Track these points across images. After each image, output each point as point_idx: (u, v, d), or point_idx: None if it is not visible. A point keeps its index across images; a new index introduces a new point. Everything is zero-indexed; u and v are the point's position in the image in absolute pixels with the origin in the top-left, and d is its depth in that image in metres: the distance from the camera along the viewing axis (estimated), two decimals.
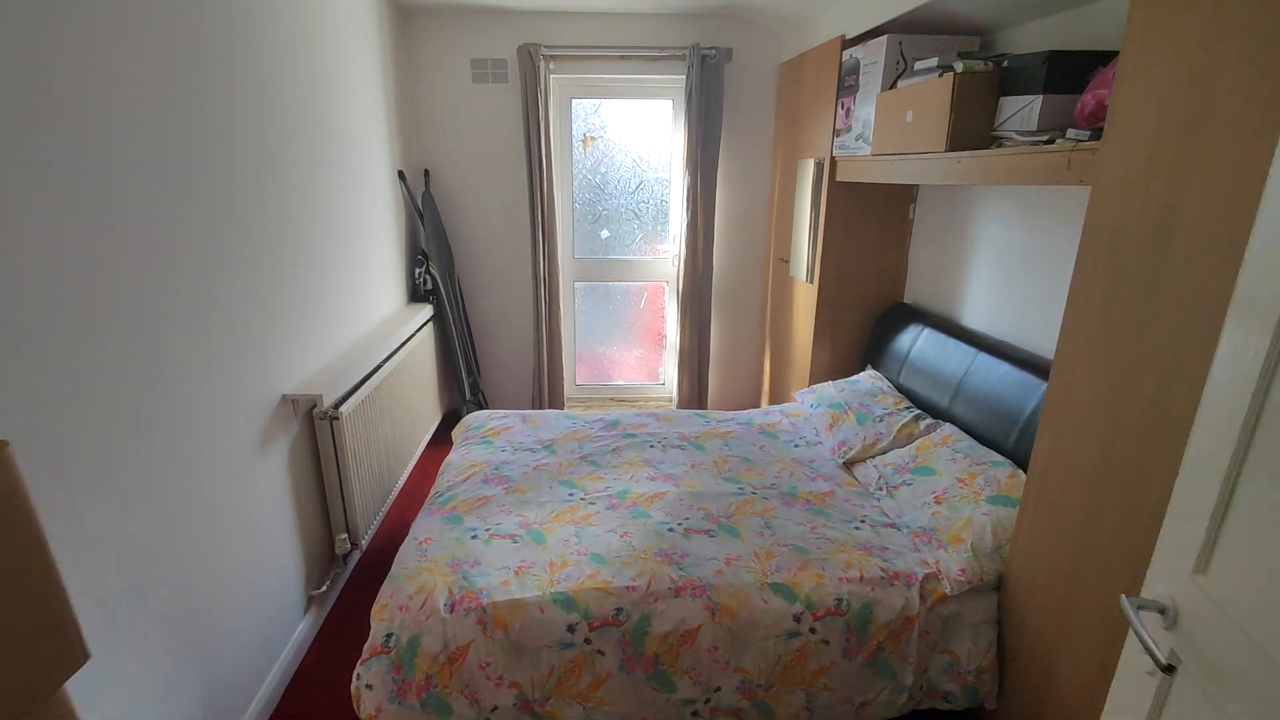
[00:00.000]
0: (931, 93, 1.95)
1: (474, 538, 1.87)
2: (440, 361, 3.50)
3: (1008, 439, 2.01)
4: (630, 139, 3.65)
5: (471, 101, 3.43)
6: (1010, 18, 2.19)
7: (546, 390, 3.73)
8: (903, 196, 2.87)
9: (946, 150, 1.90)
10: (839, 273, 2.92)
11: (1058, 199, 2.05)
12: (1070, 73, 1.66)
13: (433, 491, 2.18)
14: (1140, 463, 1.25)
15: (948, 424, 2.27)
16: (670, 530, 1.92)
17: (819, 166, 2.88)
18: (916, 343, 2.60)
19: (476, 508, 2.04)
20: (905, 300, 3.00)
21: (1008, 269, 2.29)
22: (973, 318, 2.49)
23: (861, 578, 1.71)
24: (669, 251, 3.81)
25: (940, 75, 1.96)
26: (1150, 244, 1.21)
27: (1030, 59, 1.71)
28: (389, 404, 2.64)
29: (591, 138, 3.64)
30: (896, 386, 2.66)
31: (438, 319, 3.42)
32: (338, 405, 2.15)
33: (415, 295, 3.35)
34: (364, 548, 2.31)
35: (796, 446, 2.52)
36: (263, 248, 1.87)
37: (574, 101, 3.57)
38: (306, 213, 2.16)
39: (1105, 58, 1.63)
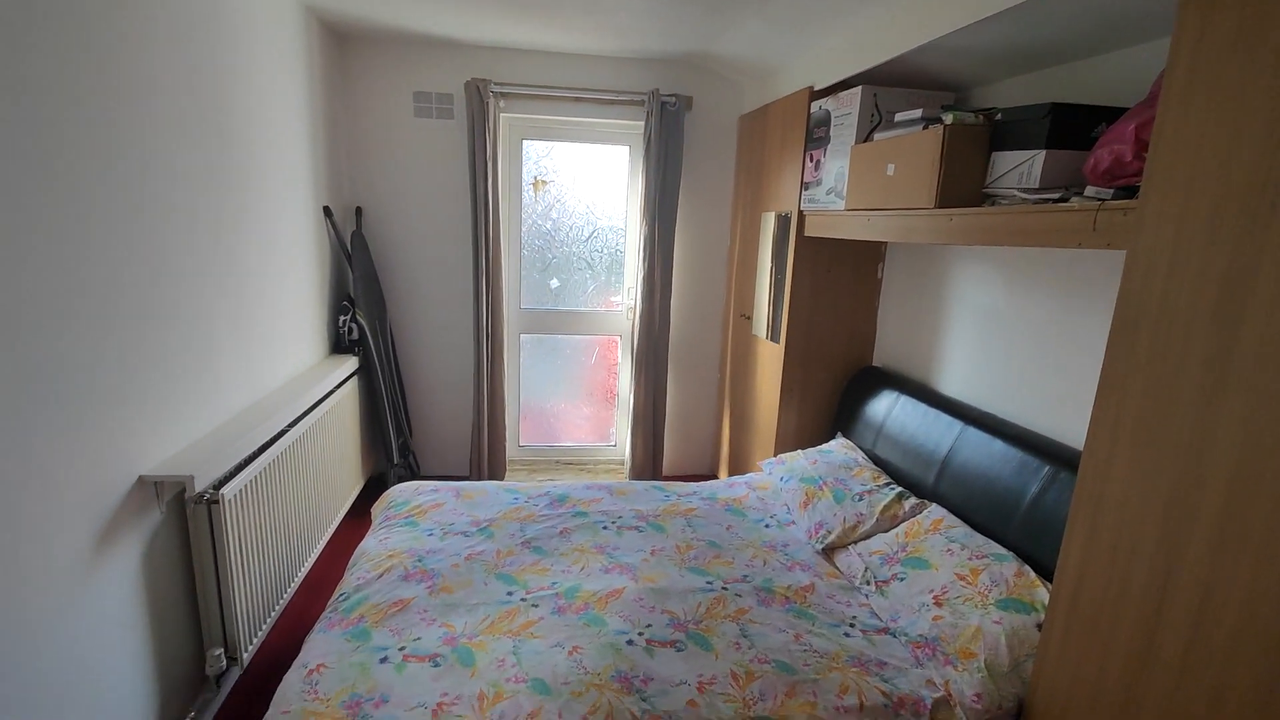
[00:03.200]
0: (917, 146, 1.80)
1: (383, 661, 1.49)
2: (365, 421, 3.09)
3: (1006, 527, 1.79)
4: (585, 184, 3.44)
5: (413, 136, 3.15)
6: (984, 74, 2.10)
7: (486, 452, 3.36)
8: (871, 254, 2.73)
9: (935, 207, 1.73)
10: (807, 331, 2.73)
11: (1045, 261, 1.91)
12: (1074, 127, 1.53)
13: (336, 593, 1.78)
14: (1210, 586, 1.02)
15: (935, 505, 2.05)
16: (630, 643, 1.59)
17: (783, 221, 2.72)
18: (893, 411, 2.40)
19: (391, 615, 1.66)
20: (875, 364, 2.82)
21: (987, 334, 2.14)
22: (951, 385, 2.32)
23: (861, 706, 1.42)
24: (623, 304, 3.57)
25: (925, 128, 1.82)
26: (1211, 322, 1.02)
27: (1030, 111, 1.57)
28: (293, 477, 2.23)
29: (543, 181, 3.41)
30: (872, 458, 2.44)
31: (364, 372, 3.03)
32: (219, 485, 1.74)
33: (339, 346, 2.96)
34: (246, 663, 1.86)
35: (767, 527, 2.24)
36: (119, 290, 1.50)
37: (525, 143, 3.34)
38: (191, 248, 1.80)
39: (1107, 113, 1.51)
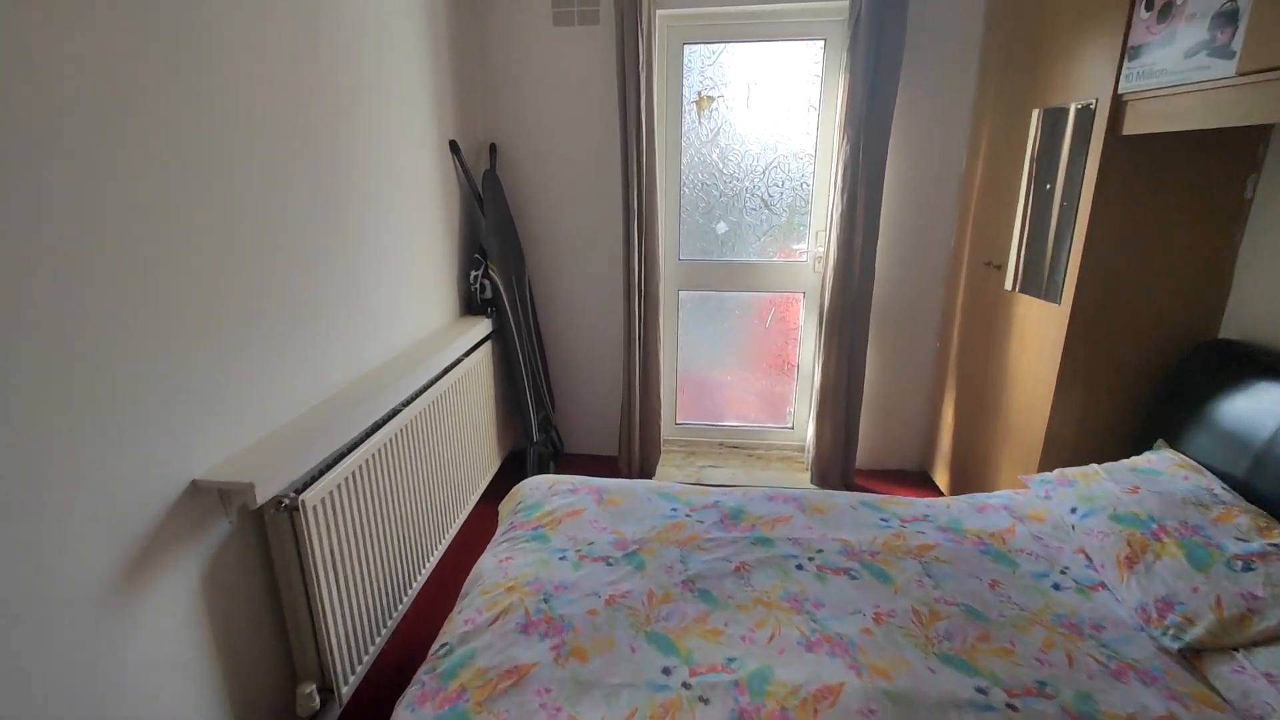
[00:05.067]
0: None
1: None
2: (501, 392, 2.70)
3: None
4: (763, 98, 2.68)
5: (553, 51, 2.60)
6: None
7: (638, 430, 2.83)
8: (1236, 161, 1.71)
9: None
10: (1109, 285, 1.81)
11: None
12: None
13: (439, 640, 1.33)
14: None
15: None
16: None
17: (1079, 117, 1.78)
18: None
19: (501, 694, 1.16)
20: (1227, 336, 1.82)
21: None
22: None
23: None
24: (808, 252, 2.80)
25: None
26: None
27: None
28: (408, 466, 1.84)
29: (709, 98, 2.71)
30: (1240, 489, 1.52)
31: (498, 336, 2.62)
32: (301, 490, 1.35)
33: (470, 306, 2.57)
34: (345, 700, 1.51)
35: (1057, 589, 1.44)
36: (193, 241, 1.10)
37: (687, 48, 2.65)
38: (279, 192, 1.39)
39: None
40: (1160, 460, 1.66)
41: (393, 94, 1.95)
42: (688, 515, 1.72)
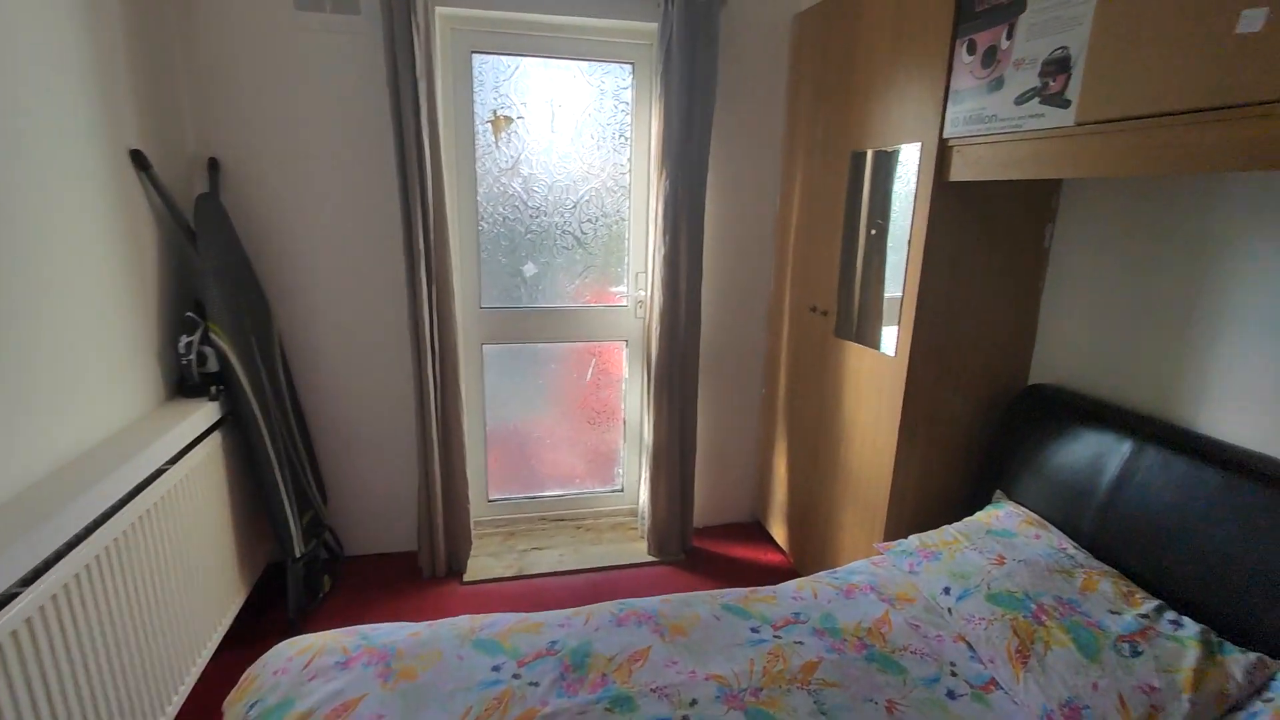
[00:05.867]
0: None
1: None
2: (241, 497, 1.97)
3: None
4: (570, 124, 2.35)
5: (296, 43, 2.00)
6: None
7: (441, 517, 2.28)
8: (1033, 208, 1.75)
9: None
10: (945, 334, 1.74)
11: None
12: None
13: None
14: None
15: None
16: None
17: (905, 159, 1.71)
18: (1132, 470, 1.43)
19: None
20: (1035, 381, 1.86)
21: None
22: (1228, 428, 1.37)
23: None
24: (628, 296, 2.52)
25: None
26: None
27: None
28: (87, 629, 1.14)
29: (506, 118, 2.30)
30: (1083, 542, 1.49)
31: (233, 422, 1.90)
32: None
33: (186, 384, 1.83)
34: None
35: (952, 696, 1.26)
36: None
37: (476, 58, 2.22)
38: None
39: None
40: (1008, 518, 1.61)
41: (25, 86, 1.24)
42: (516, 676, 1.26)
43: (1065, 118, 1.26)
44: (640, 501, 2.56)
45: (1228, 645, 1.16)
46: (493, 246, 2.38)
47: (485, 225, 2.35)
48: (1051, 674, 1.20)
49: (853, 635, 1.41)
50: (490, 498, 2.62)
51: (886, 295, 1.82)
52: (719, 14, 2.13)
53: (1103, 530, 1.46)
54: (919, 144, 1.66)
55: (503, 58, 2.24)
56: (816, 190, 2.17)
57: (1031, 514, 1.61)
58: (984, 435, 1.86)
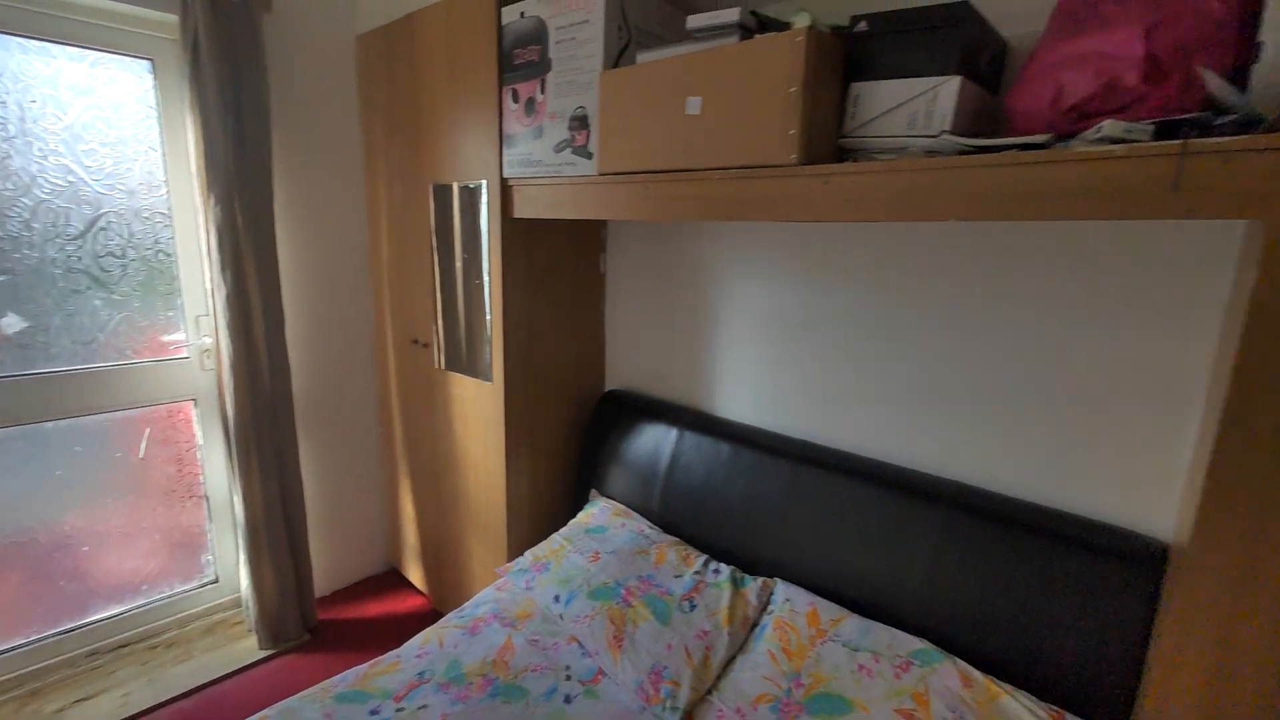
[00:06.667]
0: (752, 65, 1.12)
1: None
2: None
3: (899, 600, 1.33)
4: (62, 128, 1.79)
5: None
6: None
7: None
8: (590, 240, 2.02)
9: (801, 162, 1.09)
10: (530, 356, 1.88)
11: (841, 240, 1.49)
12: (976, 48, 1.06)
13: None
14: None
15: (781, 582, 1.50)
16: None
17: (476, 195, 1.78)
18: (681, 452, 1.76)
19: None
20: (611, 388, 2.15)
21: (773, 342, 1.66)
22: (734, 409, 1.80)
23: None
24: (189, 345, 2.06)
25: (744, 38, 1.15)
26: None
27: (926, 18, 1.03)
28: None
29: None
30: (656, 520, 1.78)
31: None
32: None
33: None
34: None
35: (569, 700, 1.35)
36: None
37: None
38: None
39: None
40: (601, 513, 1.82)
41: None
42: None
43: (590, 167, 1.47)
44: (243, 589, 2.13)
45: (747, 578, 1.52)
46: None
47: None
48: (640, 648, 1.39)
49: (477, 675, 1.40)
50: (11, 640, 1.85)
51: (481, 324, 1.88)
52: (260, 20, 1.88)
53: (666, 506, 1.77)
54: (485, 181, 1.74)
55: None
56: (405, 221, 2.11)
57: (619, 505, 1.85)
58: (578, 441, 2.07)
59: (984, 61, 1.08)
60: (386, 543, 2.58)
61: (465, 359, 1.94)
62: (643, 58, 1.33)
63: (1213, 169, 0.72)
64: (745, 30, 1.16)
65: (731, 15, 1.16)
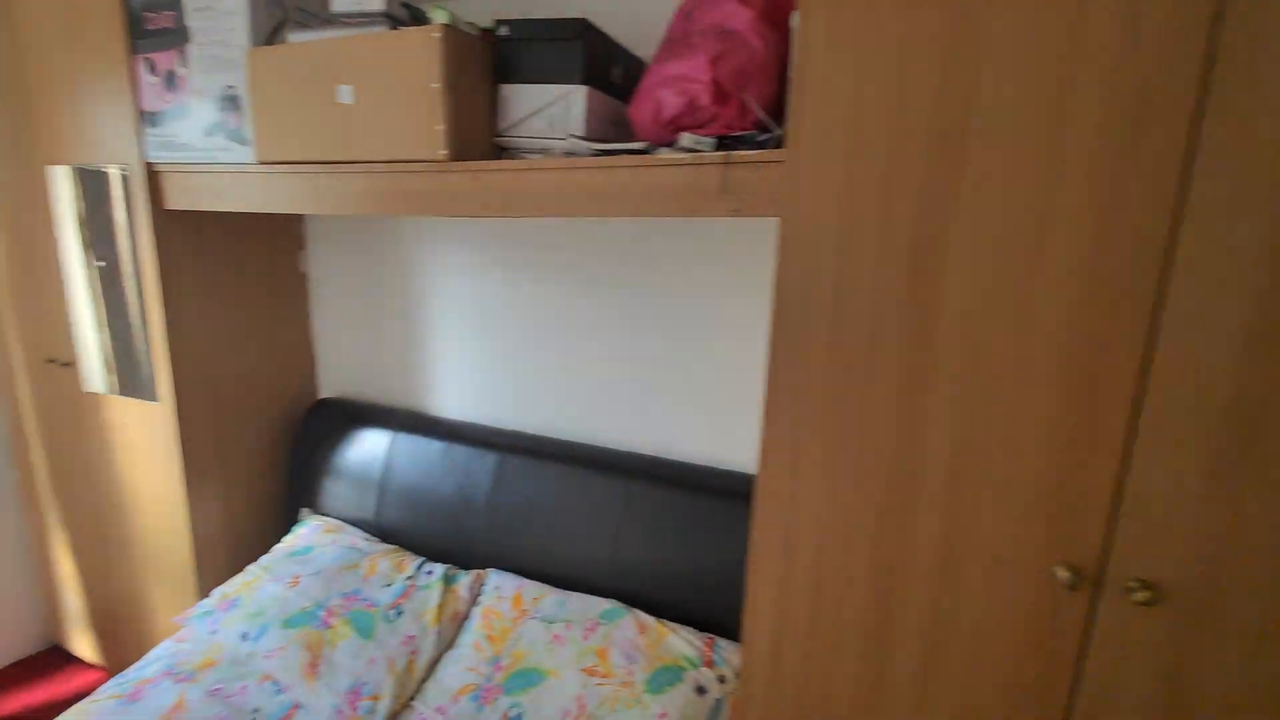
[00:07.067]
0: (398, 55, 1.11)
1: None
2: None
3: (594, 570, 1.44)
4: None
5: None
6: None
7: None
8: (286, 236, 1.84)
9: (449, 159, 1.10)
10: (211, 372, 1.65)
11: (507, 232, 1.57)
12: (598, 60, 1.17)
13: None
14: (938, 604, 0.89)
15: (494, 571, 1.52)
16: None
17: (116, 182, 1.50)
18: (395, 457, 1.69)
19: None
20: (325, 397, 1.98)
21: (479, 335, 1.69)
22: (448, 406, 1.79)
23: None
24: None
25: (392, 28, 1.14)
26: (907, 304, 0.83)
27: (555, 29, 1.12)
28: None
29: None
30: (379, 533, 1.69)
31: None
32: None
33: None
34: None
35: None
36: None
37: None
38: None
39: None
40: (310, 533, 1.67)
41: None
42: None
43: (248, 155, 1.33)
44: None
45: (460, 574, 1.52)
46: None
47: None
48: (338, 669, 1.30)
49: None
50: None
51: (137, 335, 1.59)
52: None
53: (383, 515, 1.69)
54: (126, 165, 1.48)
55: None
56: (19, 212, 1.70)
57: (333, 520, 1.72)
58: (286, 459, 1.88)
59: (617, 75, 1.20)
60: (42, 615, 2.07)
61: (122, 376, 1.64)
62: (295, 38, 1.24)
63: (750, 177, 0.90)
64: (393, 20, 1.14)
65: (376, 3, 1.13)
